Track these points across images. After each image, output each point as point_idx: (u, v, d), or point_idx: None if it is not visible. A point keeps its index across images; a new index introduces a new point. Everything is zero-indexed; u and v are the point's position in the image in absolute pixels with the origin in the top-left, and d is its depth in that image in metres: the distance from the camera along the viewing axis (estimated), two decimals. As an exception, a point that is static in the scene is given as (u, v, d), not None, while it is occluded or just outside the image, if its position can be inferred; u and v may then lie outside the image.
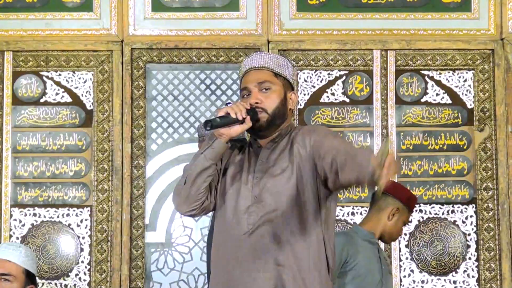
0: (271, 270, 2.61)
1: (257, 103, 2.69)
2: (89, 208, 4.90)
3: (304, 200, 2.66)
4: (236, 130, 2.63)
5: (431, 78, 5.03)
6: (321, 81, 5.03)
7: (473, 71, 5.02)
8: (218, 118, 2.59)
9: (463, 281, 4.91)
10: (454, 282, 4.91)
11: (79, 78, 5.00)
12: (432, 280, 4.91)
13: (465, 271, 4.91)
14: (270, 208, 2.64)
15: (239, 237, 2.64)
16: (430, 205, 4.96)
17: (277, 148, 2.73)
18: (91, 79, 4.99)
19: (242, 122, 2.62)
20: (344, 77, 5.03)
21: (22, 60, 4.98)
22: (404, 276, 4.89)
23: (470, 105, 5.01)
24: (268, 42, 5.00)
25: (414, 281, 4.91)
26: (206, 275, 3.26)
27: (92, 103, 4.97)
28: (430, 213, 4.95)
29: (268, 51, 4.95)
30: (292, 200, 2.65)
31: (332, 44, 5.01)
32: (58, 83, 4.99)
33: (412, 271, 4.91)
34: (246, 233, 2.63)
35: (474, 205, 4.95)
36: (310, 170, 2.66)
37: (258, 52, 2.82)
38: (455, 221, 4.94)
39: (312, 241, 2.64)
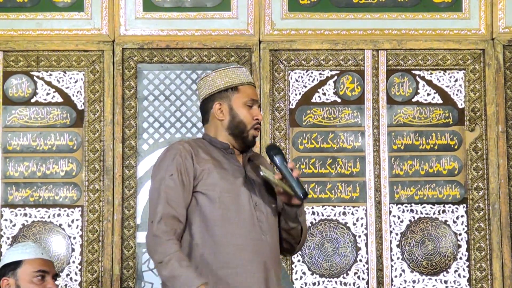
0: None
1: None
2: (80, 208, 4.89)
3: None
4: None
5: (422, 78, 5.04)
6: (312, 81, 5.03)
7: (464, 71, 5.03)
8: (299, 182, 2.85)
9: (454, 281, 4.91)
10: (445, 282, 4.91)
11: (70, 78, 4.99)
12: (423, 280, 4.92)
13: (456, 271, 4.92)
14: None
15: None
16: (421, 205, 4.96)
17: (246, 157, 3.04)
18: (82, 79, 4.98)
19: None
20: (335, 77, 5.03)
21: (12, 60, 4.97)
22: (395, 276, 4.89)
23: (461, 105, 5.02)
24: (260, 42, 5.00)
25: (405, 281, 4.91)
26: None
27: (83, 103, 4.96)
28: (421, 213, 4.95)
29: (260, 51, 4.97)
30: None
31: (323, 44, 5.01)
32: (49, 83, 4.98)
33: (403, 271, 4.92)
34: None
35: (465, 205, 4.95)
36: None
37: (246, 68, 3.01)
38: (446, 221, 4.95)
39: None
